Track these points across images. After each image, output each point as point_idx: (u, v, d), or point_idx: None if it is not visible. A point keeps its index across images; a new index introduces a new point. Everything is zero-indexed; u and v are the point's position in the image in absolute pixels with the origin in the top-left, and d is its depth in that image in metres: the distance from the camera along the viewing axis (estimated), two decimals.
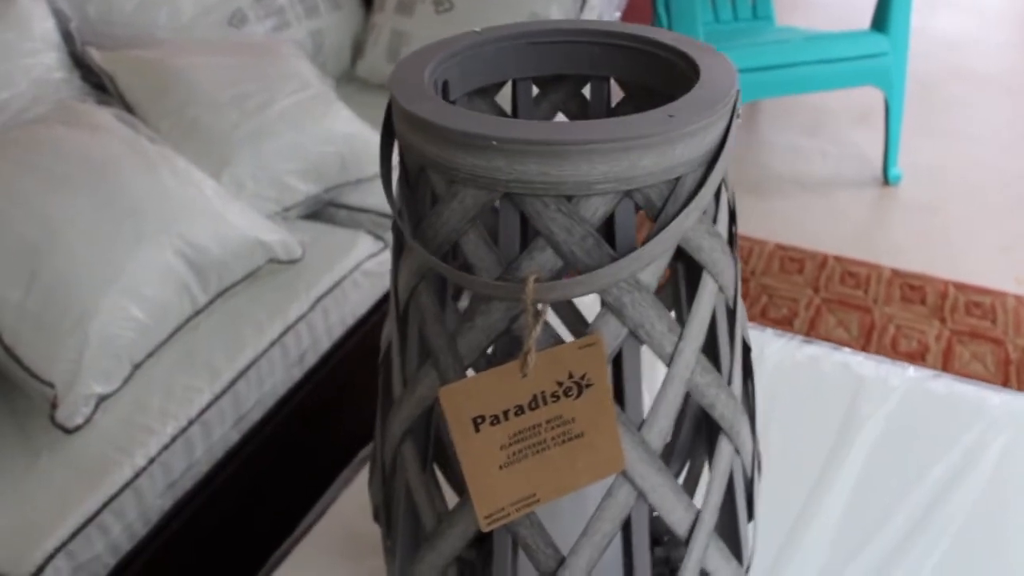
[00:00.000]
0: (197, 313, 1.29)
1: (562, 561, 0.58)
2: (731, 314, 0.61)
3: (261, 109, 1.49)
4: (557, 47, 0.67)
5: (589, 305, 1.14)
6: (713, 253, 0.56)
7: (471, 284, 0.53)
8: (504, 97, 0.70)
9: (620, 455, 0.56)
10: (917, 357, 1.89)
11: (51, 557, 1.03)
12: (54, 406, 1.12)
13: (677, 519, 0.60)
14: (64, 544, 1.04)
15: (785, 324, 1.96)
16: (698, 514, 0.61)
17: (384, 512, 0.71)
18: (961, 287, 2.08)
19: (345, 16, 2.05)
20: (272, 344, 1.31)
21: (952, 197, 2.45)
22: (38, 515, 1.05)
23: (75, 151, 1.25)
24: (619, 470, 0.57)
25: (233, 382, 1.25)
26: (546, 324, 0.53)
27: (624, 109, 0.71)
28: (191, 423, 1.18)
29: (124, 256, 1.18)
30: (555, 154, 0.48)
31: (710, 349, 0.61)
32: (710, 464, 0.62)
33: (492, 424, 0.53)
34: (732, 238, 0.62)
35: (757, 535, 0.88)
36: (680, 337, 0.55)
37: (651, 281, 0.53)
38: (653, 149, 0.49)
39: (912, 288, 2.08)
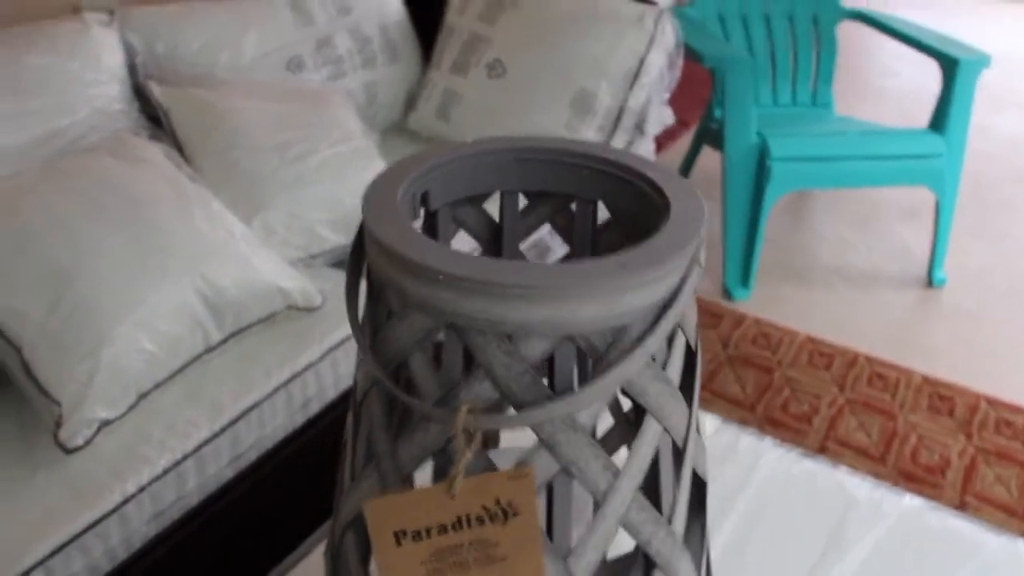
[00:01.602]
0: (209, 350, 1.32)
1: None
2: (679, 453, 0.62)
3: (301, 158, 1.54)
4: (545, 165, 0.69)
5: None
6: (660, 398, 0.56)
7: (410, 403, 0.55)
8: (494, 204, 0.72)
9: None
10: (936, 472, 1.84)
11: (28, 571, 1.06)
12: (58, 425, 1.17)
13: None
14: (44, 560, 1.08)
15: (804, 421, 1.93)
16: None
17: None
18: (994, 402, 2.02)
19: (401, 69, 2.10)
20: (278, 388, 1.33)
21: (996, 304, 2.39)
22: (24, 529, 1.09)
23: (118, 184, 1.31)
24: None
25: (234, 421, 1.28)
26: (481, 451, 0.54)
27: (609, 232, 0.73)
28: (186, 457, 1.21)
29: (145, 289, 1.23)
30: (497, 295, 0.50)
31: (650, 487, 0.61)
32: None
33: (414, 540, 0.54)
34: (690, 377, 0.63)
35: None
36: (616, 476, 0.56)
37: (588, 422, 0.54)
38: (597, 299, 0.50)
39: (941, 398, 2.03)
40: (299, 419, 1.37)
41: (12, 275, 1.21)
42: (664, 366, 0.57)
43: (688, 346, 0.61)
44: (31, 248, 1.21)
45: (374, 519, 0.54)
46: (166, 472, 1.19)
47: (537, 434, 0.54)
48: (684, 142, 2.92)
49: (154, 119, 1.62)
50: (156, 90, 1.60)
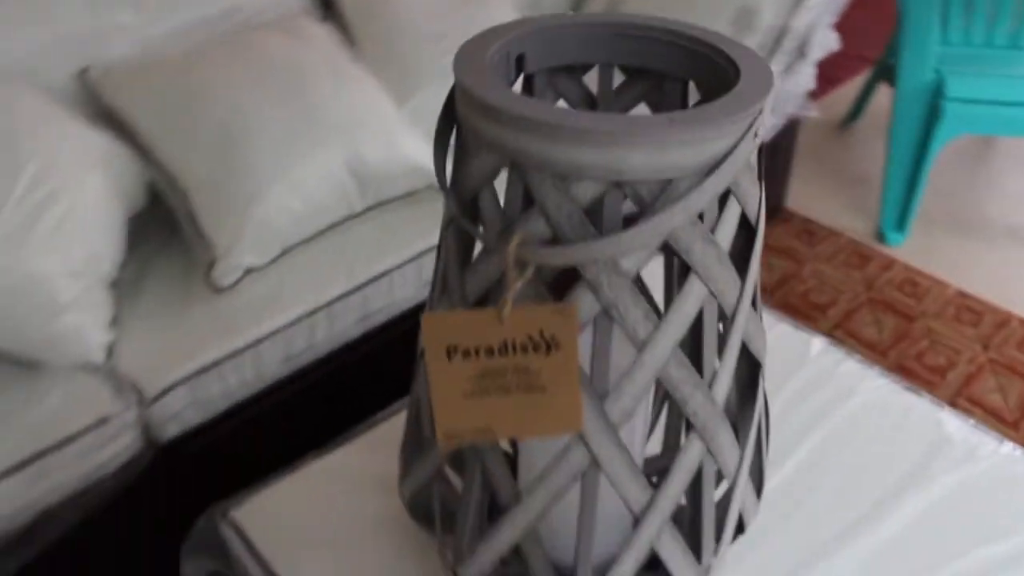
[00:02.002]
0: (351, 217, 1.43)
1: (519, 496, 0.65)
2: (728, 322, 0.65)
3: (451, 51, 1.60)
4: (641, 42, 0.71)
5: None
6: (704, 257, 0.59)
7: (473, 232, 0.60)
8: (593, 80, 0.75)
9: (579, 417, 0.62)
10: None
11: (175, 386, 1.22)
12: (211, 267, 1.31)
13: (631, 496, 0.65)
14: (187, 379, 1.23)
15: (938, 373, 1.86)
16: (653, 496, 0.65)
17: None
18: None
19: None
20: (410, 260, 1.43)
21: None
22: (175, 352, 1.25)
23: (284, 58, 1.42)
24: (576, 430, 0.62)
25: (366, 284, 1.38)
26: (536, 283, 0.59)
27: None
28: (317, 309, 1.33)
29: (298, 155, 1.34)
30: (550, 136, 0.54)
31: (693, 348, 0.65)
32: (678, 458, 0.66)
33: (464, 357, 0.61)
34: (748, 251, 0.65)
35: (775, 556, 0.89)
36: (656, 327, 0.60)
37: (631, 267, 0.58)
38: (641, 149, 0.54)
39: None
40: (425, 292, 1.47)
41: (184, 129, 1.35)
42: (713, 230, 0.60)
43: (745, 218, 0.63)
44: (202, 107, 1.35)
45: (428, 332, 0.60)
46: (299, 320, 1.32)
47: (583, 274, 0.58)
48: (863, 78, 2.77)
49: (326, 2, 1.72)
50: None
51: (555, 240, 0.58)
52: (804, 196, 2.42)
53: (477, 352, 0.61)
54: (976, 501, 0.98)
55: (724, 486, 0.74)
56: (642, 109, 0.72)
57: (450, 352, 0.61)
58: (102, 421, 1.17)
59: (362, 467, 0.98)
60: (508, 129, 0.56)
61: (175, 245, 1.40)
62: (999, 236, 2.32)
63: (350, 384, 1.41)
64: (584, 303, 0.59)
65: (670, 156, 0.54)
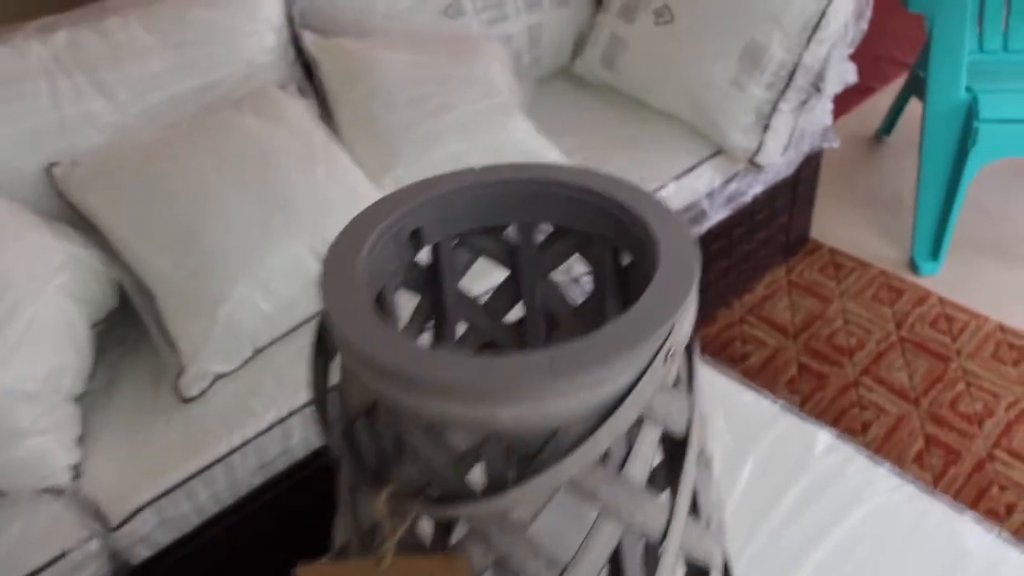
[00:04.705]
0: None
1: None
2: (652, 550, 0.56)
3: (436, 114, 1.52)
4: (552, 200, 0.62)
5: None
6: (615, 498, 0.51)
7: (348, 469, 0.52)
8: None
9: None
10: None
11: (141, 509, 1.17)
12: (178, 375, 1.26)
13: None
14: (155, 500, 1.17)
15: (974, 422, 1.73)
16: None
17: None
18: None
19: (571, 12, 2.01)
20: None
21: None
22: (139, 471, 1.19)
23: (253, 143, 1.36)
24: None
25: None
26: (413, 532, 0.51)
27: (635, 270, 0.65)
28: (292, 413, 1.27)
29: (263, 251, 1.28)
30: (411, 385, 0.46)
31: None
32: None
33: None
34: (677, 466, 0.56)
35: None
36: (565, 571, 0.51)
37: (525, 516, 0.50)
38: (519, 401, 0.45)
39: None
40: None
41: (148, 226, 1.29)
42: (623, 463, 0.51)
43: (670, 437, 0.54)
44: (165, 202, 1.29)
45: None
46: (272, 427, 1.25)
47: (469, 524, 0.50)
48: (898, 85, 2.61)
49: (308, 67, 1.65)
50: (308, 39, 1.63)
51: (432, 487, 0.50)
52: (831, 222, 2.28)
53: None
54: None
55: None
56: (575, 264, 0.63)
57: None
58: (64, 554, 1.12)
59: None
60: (365, 369, 0.48)
61: (145, 348, 1.35)
62: None
63: (330, 487, 1.34)
64: (475, 554, 0.51)
65: (551, 407, 0.46)
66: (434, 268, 0.67)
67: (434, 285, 0.68)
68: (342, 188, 1.37)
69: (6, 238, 1.22)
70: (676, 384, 0.53)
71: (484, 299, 0.70)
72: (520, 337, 0.75)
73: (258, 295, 1.27)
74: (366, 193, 1.41)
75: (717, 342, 1.98)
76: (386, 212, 0.58)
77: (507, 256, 0.69)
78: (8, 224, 1.25)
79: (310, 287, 1.33)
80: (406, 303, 0.68)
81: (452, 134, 1.53)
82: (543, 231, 0.68)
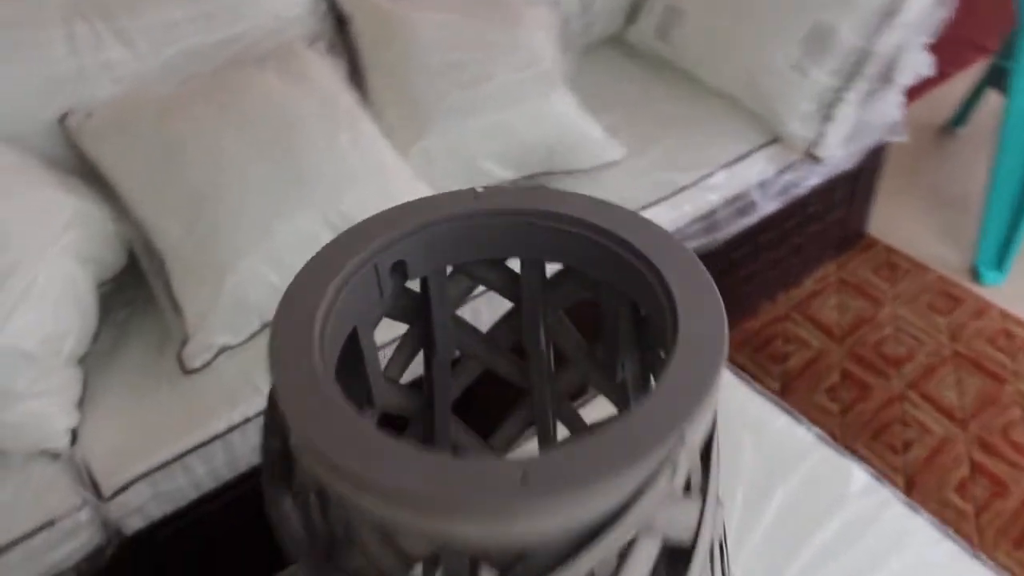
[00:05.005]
0: None
1: None
2: None
3: (474, 82, 1.43)
4: (561, 237, 0.54)
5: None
6: None
7: (288, 549, 0.46)
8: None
9: None
10: None
11: (136, 480, 1.13)
12: (183, 344, 1.21)
13: None
14: (150, 472, 1.14)
15: None
16: None
17: None
18: None
19: None
20: (394, 338, 1.29)
21: None
22: (137, 441, 1.15)
23: (274, 104, 1.28)
24: None
25: None
26: None
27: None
28: None
29: (276, 221, 1.21)
30: (360, 483, 0.38)
31: None
32: None
33: None
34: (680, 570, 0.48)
35: None
36: None
37: None
38: (477, 519, 0.38)
39: None
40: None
41: (161, 186, 1.23)
42: None
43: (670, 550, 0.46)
44: (180, 162, 1.23)
45: None
46: None
47: None
48: (977, 70, 2.43)
49: (342, 20, 1.56)
50: None
51: None
52: (890, 217, 2.15)
53: None
54: None
55: None
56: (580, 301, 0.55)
57: None
58: (54, 521, 1.09)
59: None
60: (315, 463, 0.40)
61: (153, 311, 1.30)
62: None
63: None
64: None
65: (522, 526, 0.38)
66: (422, 296, 0.59)
67: (424, 313, 0.60)
68: (367, 159, 1.29)
69: (11, 192, 1.17)
70: (687, 488, 0.45)
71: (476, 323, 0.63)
72: (523, 369, 0.68)
73: (268, 267, 1.21)
74: (392, 166, 1.33)
75: (758, 339, 1.88)
76: (364, 243, 0.51)
77: (510, 287, 0.61)
78: (15, 177, 1.20)
79: None
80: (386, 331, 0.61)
81: (489, 105, 1.43)
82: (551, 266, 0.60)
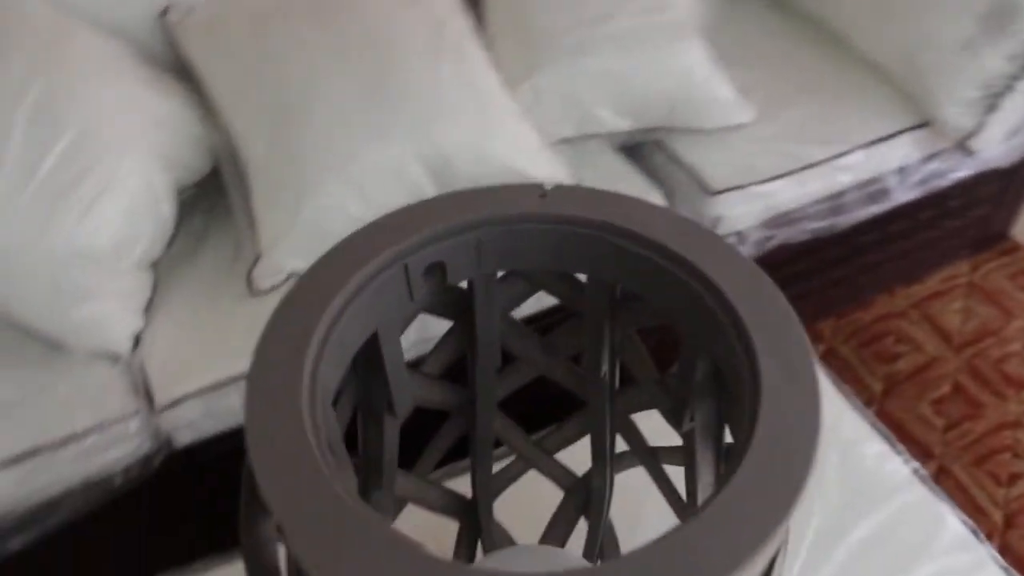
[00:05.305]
0: None
1: None
2: None
3: (597, 22, 1.31)
4: (631, 259, 0.44)
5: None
6: None
7: None
8: None
9: None
10: None
11: (187, 397, 1.11)
12: (255, 263, 1.16)
13: None
14: (204, 391, 1.11)
15: None
16: None
17: None
18: None
19: None
20: None
21: None
22: (199, 357, 1.13)
23: (378, 22, 1.20)
24: None
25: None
26: None
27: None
28: None
29: (363, 147, 1.14)
30: None
31: None
32: None
33: None
34: None
35: None
36: None
37: None
38: None
39: None
40: None
41: (252, 97, 1.18)
42: None
43: None
44: (272, 73, 1.17)
45: None
46: None
47: None
48: None
49: None
50: None
51: None
52: None
53: None
54: None
55: None
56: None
57: None
58: (104, 425, 1.08)
59: None
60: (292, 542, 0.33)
61: (231, 224, 1.26)
62: None
63: None
64: None
65: None
66: (469, 293, 0.51)
67: (467, 312, 0.52)
68: (469, 91, 1.20)
69: (103, 85, 1.13)
70: None
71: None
72: (582, 380, 0.59)
73: (349, 195, 1.14)
74: (498, 102, 1.23)
75: (867, 333, 1.73)
76: (391, 239, 0.43)
77: (575, 297, 0.52)
78: (109, 70, 1.16)
79: (411, 196, 1.19)
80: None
81: (607, 48, 1.31)
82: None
